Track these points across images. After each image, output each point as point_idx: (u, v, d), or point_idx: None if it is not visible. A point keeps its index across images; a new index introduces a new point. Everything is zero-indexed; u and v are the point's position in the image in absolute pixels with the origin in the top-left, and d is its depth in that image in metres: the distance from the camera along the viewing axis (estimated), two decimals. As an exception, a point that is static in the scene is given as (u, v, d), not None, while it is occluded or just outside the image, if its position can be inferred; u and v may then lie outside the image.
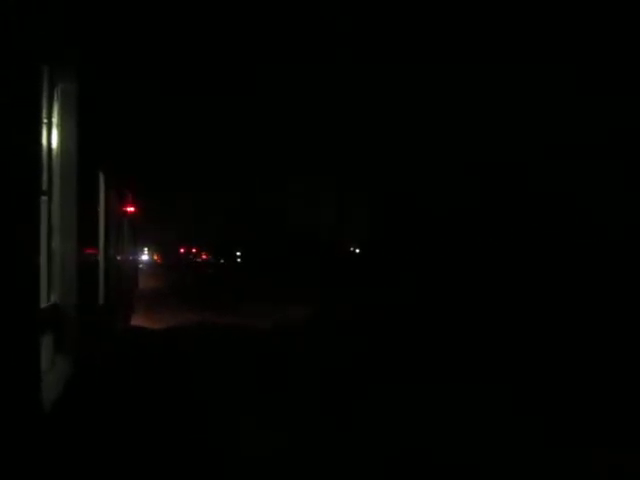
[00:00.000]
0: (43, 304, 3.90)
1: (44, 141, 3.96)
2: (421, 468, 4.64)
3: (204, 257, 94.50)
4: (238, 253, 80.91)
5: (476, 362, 9.00)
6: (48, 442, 3.23)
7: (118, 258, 10.80)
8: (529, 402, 6.54)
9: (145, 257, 54.21)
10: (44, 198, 4.03)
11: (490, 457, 4.87)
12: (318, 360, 9.29)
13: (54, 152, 4.48)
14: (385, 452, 4.96)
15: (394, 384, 7.53)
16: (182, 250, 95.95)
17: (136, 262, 24.60)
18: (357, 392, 7.05)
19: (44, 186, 4.02)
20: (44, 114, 3.98)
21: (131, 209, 14.59)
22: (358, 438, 5.31)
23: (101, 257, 7.26)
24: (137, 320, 15.06)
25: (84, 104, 4.92)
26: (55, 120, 4.51)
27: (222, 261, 77.15)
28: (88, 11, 5.39)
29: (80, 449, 4.29)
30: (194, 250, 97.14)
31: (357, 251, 51.05)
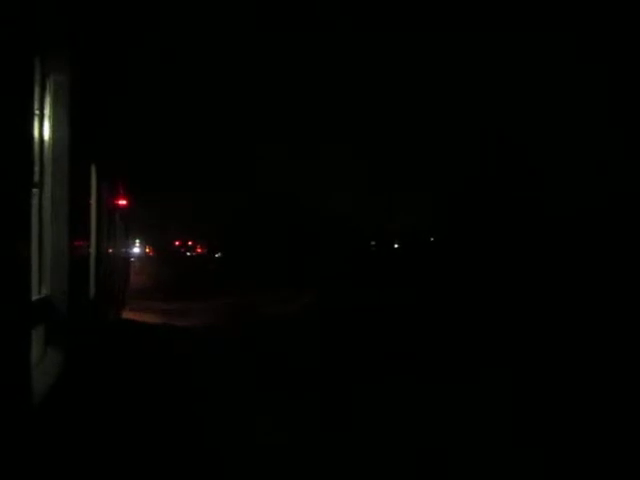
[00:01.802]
0: (34, 296, 3.88)
1: (36, 133, 3.93)
2: (424, 470, 4.61)
3: (199, 251, 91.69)
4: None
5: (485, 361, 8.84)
6: (38, 436, 3.22)
7: (110, 251, 10.76)
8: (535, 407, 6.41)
9: (136, 250, 52.96)
10: (35, 190, 4.01)
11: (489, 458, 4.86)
12: (315, 360, 9.08)
13: (46, 144, 4.45)
14: (385, 452, 4.93)
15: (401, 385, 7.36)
16: (177, 243, 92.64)
17: (128, 255, 24.49)
18: (357, 393, 6.91)
19: (35, 178, 3.99)
20: (36, 105, 3.95)
21: (123, 202, 14.52)
22: (357, 439, 5.25)
23: (92, 249, 7.23)
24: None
25: (77, 96, 4.88)
26: (47, 111, 4.48)
27: (217, 255, 75.12)
28: (81, 2, 5.34)
29: (70, 443, 4.28)
30: (190, 243, 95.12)
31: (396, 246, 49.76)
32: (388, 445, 5.07)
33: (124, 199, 14.59)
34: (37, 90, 4.04)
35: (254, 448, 4.91)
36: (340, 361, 8.89)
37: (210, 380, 7.32)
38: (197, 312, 16.41)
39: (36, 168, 4.01)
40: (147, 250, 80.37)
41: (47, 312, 4.31)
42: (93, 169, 7.22)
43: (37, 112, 4.06)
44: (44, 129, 4.38)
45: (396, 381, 7.41)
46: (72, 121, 4.72)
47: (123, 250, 18.26)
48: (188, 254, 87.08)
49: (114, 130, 10.35)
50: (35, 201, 3.96)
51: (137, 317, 14.55)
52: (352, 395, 6.73)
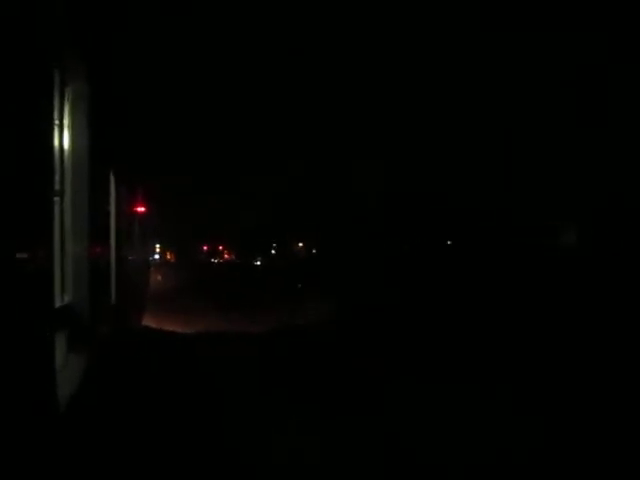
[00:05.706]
0: (57, 304, 3.92)
1: (56, 142, 3.98)
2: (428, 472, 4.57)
3: (226, 256, 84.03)
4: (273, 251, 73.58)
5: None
6: (63, 441, 3.25)
7: (129, 258, 10.85)
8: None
9: (156, 256, 50.51)
10: (56, 199, 4.06)
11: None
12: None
13: (66, 152, 4.50)
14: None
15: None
16: (205, 248, 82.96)
17: (147, 262, 24.61)
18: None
19: (56, 187, 4.04)
20: (56, 115, 4.00)
21: (142, 209, 14.68)
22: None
23: (112, 257, 7.29)
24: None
25: (95, 105, 4.94)
26: (66, 121, 4.53)
27: (258, 263, 65.69)
28: (99, 11, 5.41)
29: (94, 447, 4.31)
30: (220, 247, 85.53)
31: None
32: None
33: (143, 205, 14.74)
34: (57, 100, 4.09)
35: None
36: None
37: (230, 384, 7.31)
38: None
39: (57, 176, 4.06)
40: (168, 256, 76.54)
41: (69, 319, 4.36)
42: (112, 176, 7.29)
43: (57, 121, 4.11)
44: (64, 138, 4.44)
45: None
46: (91, 129, 4.77)
47: (142, 256, 18.42)
48: (213, 260, 77.71)
49: (133, 137, 10.45)
50: (56, 209, 4.01)
51: (156, 324, 14.62)
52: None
